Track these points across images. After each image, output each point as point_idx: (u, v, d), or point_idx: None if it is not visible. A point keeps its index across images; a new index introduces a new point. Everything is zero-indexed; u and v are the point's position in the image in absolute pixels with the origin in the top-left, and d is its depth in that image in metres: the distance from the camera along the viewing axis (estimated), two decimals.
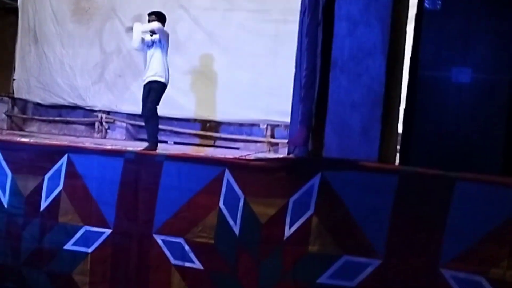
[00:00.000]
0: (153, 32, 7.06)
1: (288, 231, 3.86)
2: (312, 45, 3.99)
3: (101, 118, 9.40)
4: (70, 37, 9.55)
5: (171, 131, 8.86)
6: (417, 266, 3.51)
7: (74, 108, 9.66)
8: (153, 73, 7.04)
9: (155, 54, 7.04)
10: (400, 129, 4.12)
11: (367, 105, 3.91)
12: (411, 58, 3.90)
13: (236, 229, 3.98)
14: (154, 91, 7.02)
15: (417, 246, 3.54)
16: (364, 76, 3.93)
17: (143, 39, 7.16)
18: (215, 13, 8.76)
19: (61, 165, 4.52)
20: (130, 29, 7.30)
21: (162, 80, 7.03)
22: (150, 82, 7.09)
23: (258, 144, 8.71)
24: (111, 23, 9.29)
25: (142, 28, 7.09)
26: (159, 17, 7.22)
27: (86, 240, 4.42)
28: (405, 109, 3.94)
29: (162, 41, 7.09)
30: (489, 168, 3.67)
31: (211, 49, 8.74)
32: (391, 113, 4.02)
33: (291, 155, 4.24)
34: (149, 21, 7.18)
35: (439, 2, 3.85)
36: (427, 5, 3.85)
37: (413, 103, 3.88)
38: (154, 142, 7.00)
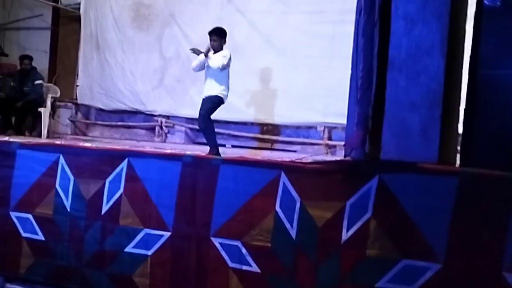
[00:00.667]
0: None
1: (345, 235, 3.82)
2: (368, 45, 3.94)
3: (161, 122, 9.53)
4: (130, 43, 9.73)
5: (229, 134, 8.90)
6: (479, 270, 3.42)
7: (135, 113, 9.84)
8: (212, 91, 7.03)
9: (216, 74, 7.03)
10: (460, 129, 4.01)
11: (426, 105, 3.82)
12: (471, 56, 3.80)
13: (293, 233, 3.97)
14: (210, 101, 7.03)
15: (478, 249, 3.45)
16: (423, 75, 3.85)
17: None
18: (271, 16, 8.75)
19: (122, 169, 4.62)
20: (195, 51, 7.23)
21: (221, 95, 7.04)
22: (206, 97, 7.09)
23: (316, 147, 8.64)
24: (170, 29, 9.43)
25: (206, 62, 7.06)
26: (221, 36, 7.18)
27: (146, 242, 4.52)
28: (465, 109, 3.83)
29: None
30: None
31: (268, 52, 8.74)
32: (451, 113, 3.92)
33: (347, 158, 4.19)
34: (210, 41, 7.14)
35: None
36: (487, 2, 3.73)
37: (474, 103, 3.77)
38: (214, 147, 7.05)
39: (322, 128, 8.60)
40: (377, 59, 3.94)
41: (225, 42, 7.15)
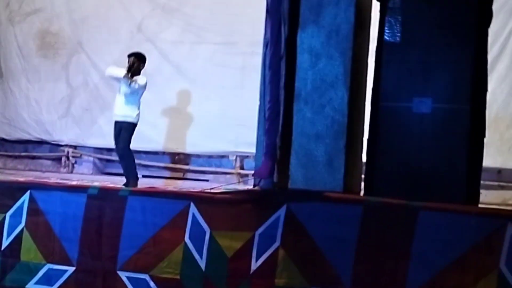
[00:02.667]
0: (132, 81, 7.06)
1: (254, 264, 3.83)
2: (275, 78, 4.03)
3: (68, 152, 9.29)
4: (36, 71, 9.48)
5: (139, 164, 8.77)
6: None
7: (40, 143, 9.54)
8: (125, 113, 7.09)
9: (128, 95, 7.07)
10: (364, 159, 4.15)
11: (331, 136, 3.94)
12: (373, 89, 3.96)
13: (202, 264, 3.93)
14: (125, 130, 7.07)
15: (383, 276, 3.54)
16: (327, 107, 3.97)
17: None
18: (182, 46, 8.80)
19: (23, 202, 4.44)
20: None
21: (134, 121, 7.10)
22: (121, 122, 7.13)
23: (228, 176, 8.69)
24: (77, 57, 9.26)
25: (124, 76, 7.07)
26: (139, 59, 7.23)
27: (49, 278, 4.33)
28: (368, 140, 3.98)
29: (140, 91, 7.15)
30: (452, 197, 3.71)
31: (179, 82, 8.75)
32: (355, 143, 4.06)
33: (256, 188, 4.22)
34: (128, 62, 7.18)
35: (399, 34, 3.92)
36: (387, 38, 3.92)
37: (376, 134, 3.93)
38: (134, 177, 7.04)
39: (234, 157, 8.67)
40: (284, 91, 4.03)
41: (143, 67, 7.17)
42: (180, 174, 8.95)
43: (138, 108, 7.15)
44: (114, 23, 9.05)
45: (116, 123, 7.20)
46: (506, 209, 4.74)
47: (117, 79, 7.17)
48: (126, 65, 7.16)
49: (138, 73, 7.18)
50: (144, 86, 7.13)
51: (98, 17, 9.18)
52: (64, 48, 9.39)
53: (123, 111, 7.12)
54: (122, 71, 7.10)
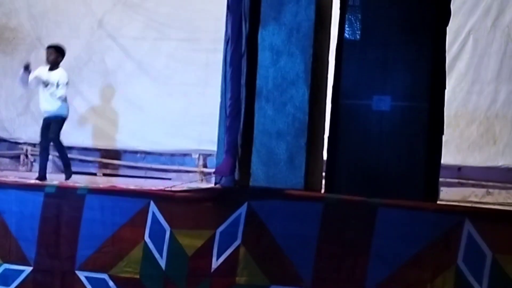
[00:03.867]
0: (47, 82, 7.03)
1: (215, 263, 3.82)
2: (236, 75, 4.01)
3: (26, 150, 9.10)
4: None
5: (100, 162, 8.66)
6: None
7: None
8: (54, 108, 7.04)
9: (52, 91, 7.02)
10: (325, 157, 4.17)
11: (292, 134, 3.95)
12: (333, 87, 3.98)
13: (162, 263, 3.90)
14: (57, 124, 7.07)
15: (343, 272, 3.57)
16: (289, 105, 3.98)
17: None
18: (144, 43, 8.69)
19: None
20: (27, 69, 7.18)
21: (65, 115, 7.10)
22: (50, 117, 7.05)
23: (191, 174, 8.62)
24: (36, 53, 9.01)
25: (43, 77, 7.03)
26: (58, 51, 7.16)
27: (5, 278, 4.25)
28: (328, 137, 3.99)
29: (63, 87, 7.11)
30: (411, 193, 3.75)
31: (141, 78, 8.64)
32: (316, 141, 4.07)
33: (217, 185, 4.21)
34: (47, 54, 7.12)
35: (359, 32, 3.95)
36: (347, 36, 3.94)
37: (336, 131, 3.95)
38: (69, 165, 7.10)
39: (197, 156, 8.61)
40: (245, 88, 4.02)
41: (61, 59, 7.11)
42: (141, 173, 8.86)
43: (67, 103, 7.17)
44: (75, 18, 8.88)
45: (45, 119, 7.20)
46: (463, 205, 4.81)
47: (37, 82, 7.15)
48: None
49: (57, 67, 7.13)
50: (66, 82, 7.10)
51: (58, 12, 9.00)
52: (23, 44, 9.17)
53: (50, 106, 7.10)
54: (29, 79, 7.11)
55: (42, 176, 7.08)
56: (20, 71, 7.11)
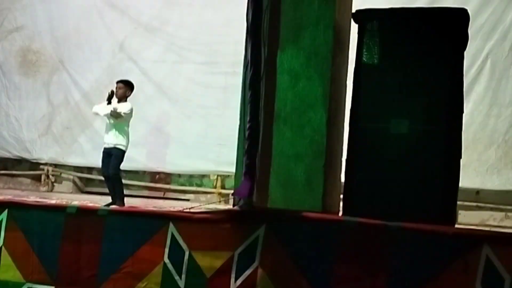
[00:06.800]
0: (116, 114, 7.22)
1: (234, 284, 3.82)
2: (255, 98, 4.06)
3: (48, 171, 9.23)
4: (16, 89, 9.45)
5: None
6: None
7: (20, 161, 9.46)
8: (116, 141, 7.22)
9: (118, 124, 7.21)
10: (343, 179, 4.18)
11: (310, 156, 3.97)
12: (351, 110, 4.01)
13: (182, 284, 3.92)
14: (115, 157, 7.24)
15: None
16: (307, 128, 4.01)
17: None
18: (164, 65, 8.84)
19: (1, 220, 4.40)
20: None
21: (123, 148, 7.24)
22: (111, 148, 7.25)
23: (209, 195, 8.68)
24: (58, 75, 9.25)
25: (105, 114, 7.24)
26: (127, 85, 7.38)
27: None
28: (346, 160, 4.01)
29: (127, 118, 7.28)
30: (429, 217, 3.75)
31: (161, 100, 8.78)
32: (334, 163, 4.10)
33: (236, 207, 4.23)
34: (116, 89, 7.33)
35: (377, 56, 3.99)
36: (365, 60, 3.98)
37: (354, 154, 3.96)
38: (121, 200, 7.14)
39: (216, 177, 8.68)
40: (263, 111, 4.07)
41: (130, 94, 7.27)
42: (160, 194, 8.93)
43: (128, 135, 7.30)
44: (96, 41, 9.08)
45: (105, 149, 7.33)
46: (481, 229, 4.79)
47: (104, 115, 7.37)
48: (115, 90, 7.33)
49: (125, 100, 7.30)
50: (130, 114, 7.27)
51: (80, 36, 9.20)
52: (45, 66, 9.39)
53: (113, 140, 7.27)
54: (104, 109, 7.28)
55: (118, 200, 7.16)
56: (105, 102, 7.33)
